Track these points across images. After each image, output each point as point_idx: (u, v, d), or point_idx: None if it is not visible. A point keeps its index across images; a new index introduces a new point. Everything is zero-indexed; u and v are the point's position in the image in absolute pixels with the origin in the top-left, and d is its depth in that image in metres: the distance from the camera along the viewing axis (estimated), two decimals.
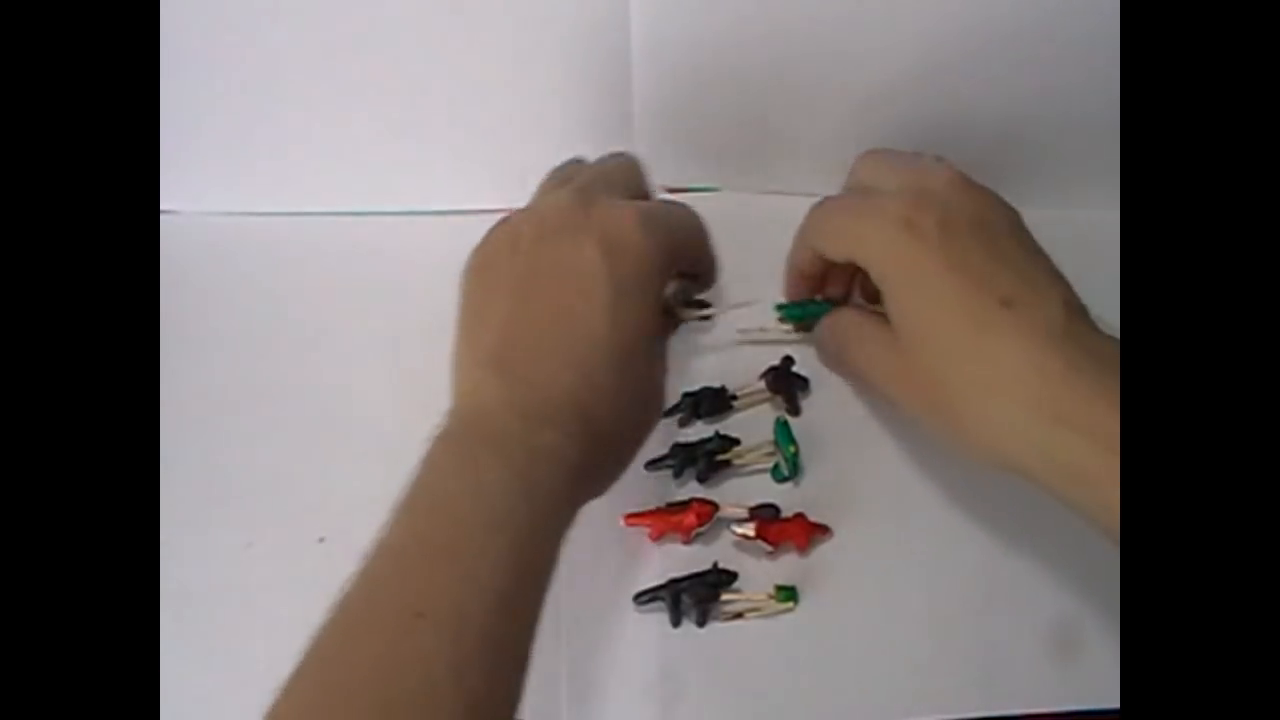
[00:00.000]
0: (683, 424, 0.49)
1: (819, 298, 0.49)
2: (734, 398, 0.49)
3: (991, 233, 0.41)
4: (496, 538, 0.33)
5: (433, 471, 0.36)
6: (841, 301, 0.49)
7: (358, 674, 0.31)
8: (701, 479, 0.47)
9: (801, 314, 0.50)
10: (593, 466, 0.38)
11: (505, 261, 0.40)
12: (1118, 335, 0.37)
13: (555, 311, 0.38)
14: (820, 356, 0.50)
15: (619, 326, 0.38)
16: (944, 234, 0.40)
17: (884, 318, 0.43)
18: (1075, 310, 0.39)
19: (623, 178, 0.44)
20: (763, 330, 0.50)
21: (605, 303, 0.38)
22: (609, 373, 0.38)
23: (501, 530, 0.34)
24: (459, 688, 0.31)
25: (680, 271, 0.44)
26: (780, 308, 0.50)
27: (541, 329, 0.38)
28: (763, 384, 0.49)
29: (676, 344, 0.46)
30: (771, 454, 0.48)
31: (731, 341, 0.50)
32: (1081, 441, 0.36)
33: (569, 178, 0.43)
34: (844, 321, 0.47)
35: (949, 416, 0.40)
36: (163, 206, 0.54)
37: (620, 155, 0.46)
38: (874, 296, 0.44)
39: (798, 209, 0.47)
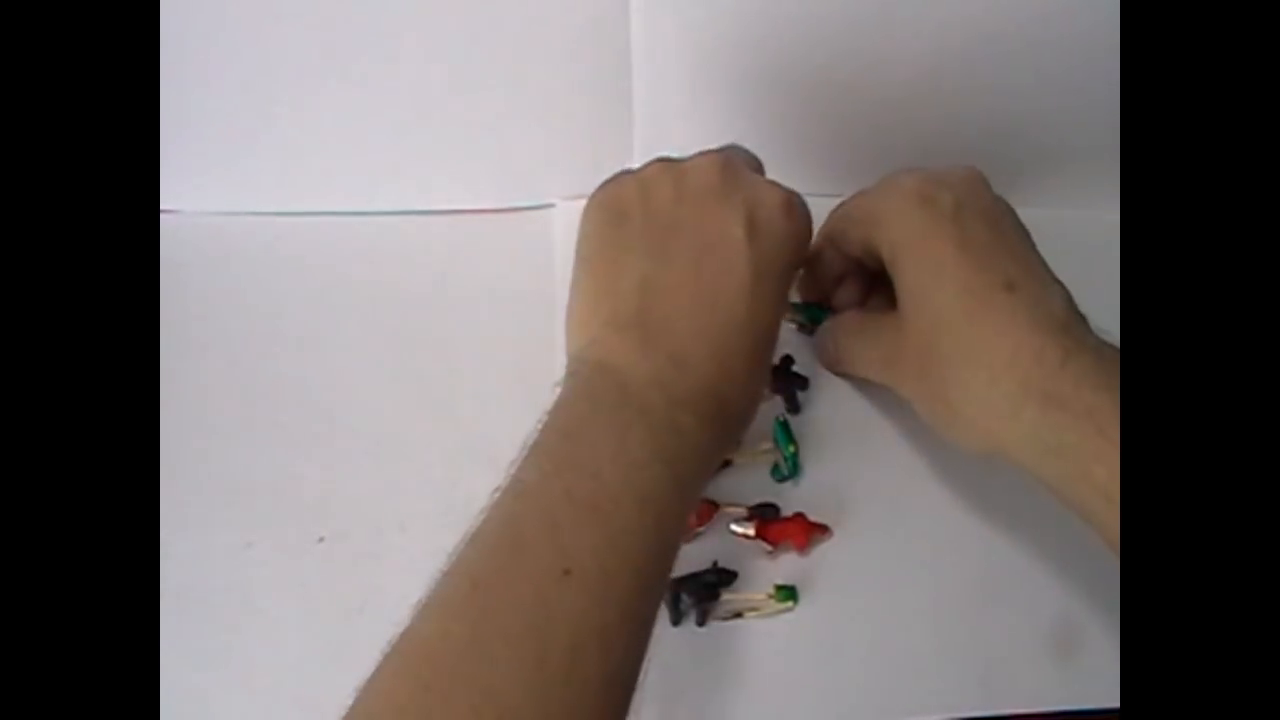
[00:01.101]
0: None
1: (828, 305, 0.49)
2: None
3: (1001, 225, 0.41)
4: (643, 511, 0.33)
5: (577, 424, 0.35)
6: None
7: (512, 622, 0.31)
8: None
9: (806, 315, 0.50)
10: (717, 451, 0.38)
11: (639, 215, 0.39)
12: (1116, 339, 0.38)
13: (695, 283, 0.38)
14: (819, 355, 0.50)
15: (756, 314, 0.38)
16: (956, 213, 0.41)
17: (883, 314, 0.43)
18: (1074, 309, 0.40)
19: (752, 161, 0.44)
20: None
21: (746, 286, 0.38)
22: (743, 360, 0.38)
23: (647, 504, 0.33)
24: (603, 655, 0.31)
25: None
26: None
27: (681, 300, 0.38)
28: None
29: None
30: (771, 453, 0.48)
31: None
32: (1071, 421, 0.36)
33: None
34: (843, 319, 0.48)
35: (939, 392, 0.40)
36: (163, 206, 0.54)
37: (737, 147, 0.45)
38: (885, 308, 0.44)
39: None
